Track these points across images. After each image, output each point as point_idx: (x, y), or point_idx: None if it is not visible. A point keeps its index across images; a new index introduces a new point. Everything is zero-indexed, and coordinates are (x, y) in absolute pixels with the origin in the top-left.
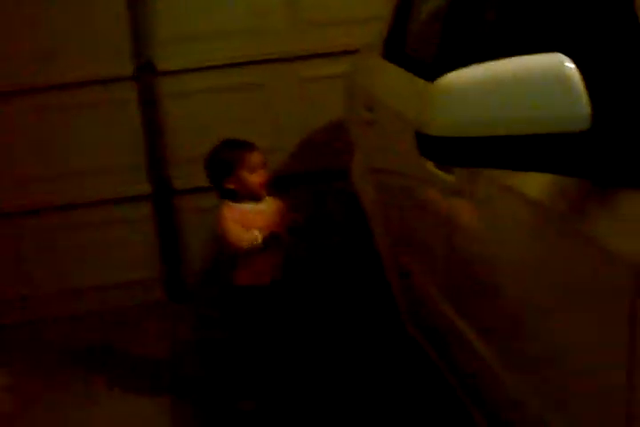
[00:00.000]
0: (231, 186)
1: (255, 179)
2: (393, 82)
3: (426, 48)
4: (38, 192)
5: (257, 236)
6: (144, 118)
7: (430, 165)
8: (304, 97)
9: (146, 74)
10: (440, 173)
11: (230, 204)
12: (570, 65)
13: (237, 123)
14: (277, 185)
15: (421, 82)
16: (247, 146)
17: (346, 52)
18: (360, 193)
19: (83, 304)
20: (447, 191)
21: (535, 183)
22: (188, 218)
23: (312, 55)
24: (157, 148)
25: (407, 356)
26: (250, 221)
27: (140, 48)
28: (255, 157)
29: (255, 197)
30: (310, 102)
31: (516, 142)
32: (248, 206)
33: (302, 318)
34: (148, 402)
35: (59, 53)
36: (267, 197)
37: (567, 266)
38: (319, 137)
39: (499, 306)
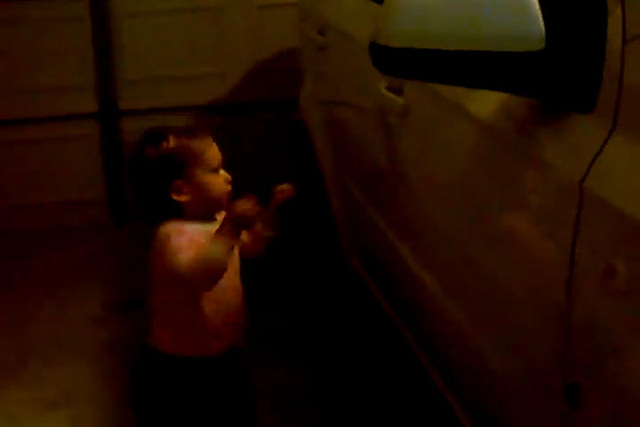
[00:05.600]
0: (181, 196)
1: (218, 181)
2: (346, 6)
3: None
4: None
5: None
6: (95, 36)
7: (381, 88)
8: (258, 24)
9: None
10: (390, 95)
11: (178, 224)
12: None
13: (188, 47)
14: (224, 113)
15: (376, 6)
16: (200, 134)
17: None
18: (307, 119)
19: (24, 220)
20: (397, 114)
21: (484, 104)
22: (134, 140)
23: None
24: (106, 67)
25: (348, 289)
26: None
27: None
28: (215, 152)
29: (211, 214)
30: (264, 30)
31: (469, 58)
32: (199, 227)
33: None
34: (86, 318)
35: None
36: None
37: (514, 185)
38: (270, 66)
39: (444, 229)
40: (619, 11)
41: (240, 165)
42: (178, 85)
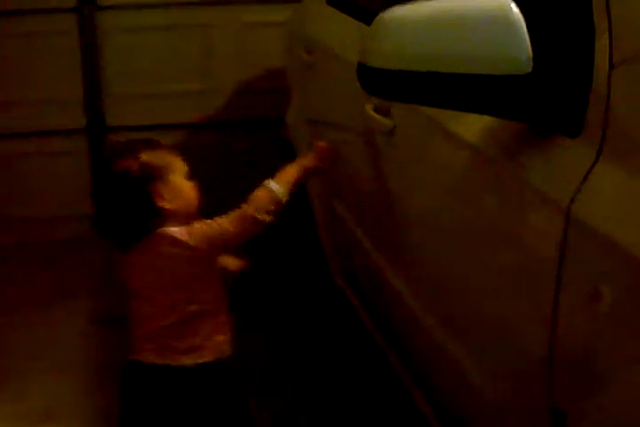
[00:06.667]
0: (164, 203)
1: (191, 186)
2: (335, 26)
3: None
4: None
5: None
6: (83, 52)
7: (368, 109)
8: (245, 42)
9: (88, 7)
10: (378, 116)
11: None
12: (515, 9)
13: (176, 63)
14: (211, 130)
15: (364, 26)
16: (166, 145)
17: (291, 0)
18: (294, 138)
19: (10, 234)
20: (384, 135)
21: (471, 127)
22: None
23: (257, 0)
24: (94, 82)
25: (332, 305)
26: None
27: None
28: (183, 163)
29: (188, 221)
30: (251, 48)
31: (456, 81)
32: None
33: None
34: (72, 333)
35: None
36: None
37: (500, 208)
38: (257, 84)
39: (429, 251)
40: (606, 35)
41: (226, 181)
42: (165, 102)
